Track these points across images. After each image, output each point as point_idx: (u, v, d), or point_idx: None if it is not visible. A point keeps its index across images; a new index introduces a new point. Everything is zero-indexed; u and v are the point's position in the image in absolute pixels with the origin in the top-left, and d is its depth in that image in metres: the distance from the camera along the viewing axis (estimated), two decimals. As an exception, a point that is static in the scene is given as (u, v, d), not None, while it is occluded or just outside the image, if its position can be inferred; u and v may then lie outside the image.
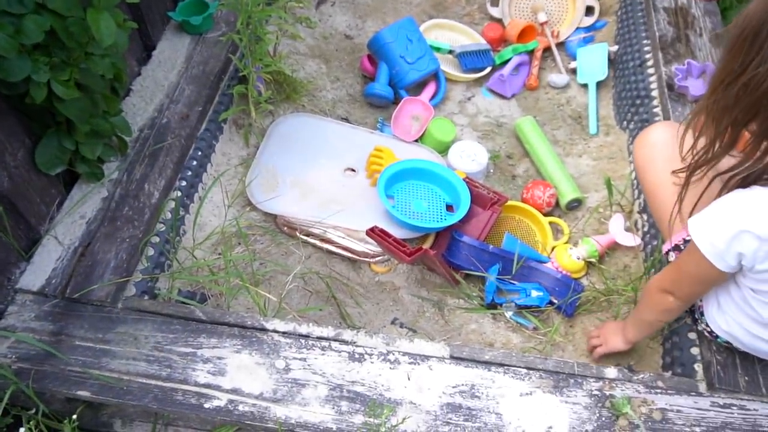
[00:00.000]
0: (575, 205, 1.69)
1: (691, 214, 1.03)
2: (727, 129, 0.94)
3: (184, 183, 1.49)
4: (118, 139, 1.44)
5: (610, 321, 1.38)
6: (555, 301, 1.47)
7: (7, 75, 1.07)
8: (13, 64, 1.07)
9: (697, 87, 1.63)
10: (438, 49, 1.98)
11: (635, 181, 1.66)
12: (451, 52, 1.99)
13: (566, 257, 1.52)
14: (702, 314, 1.18)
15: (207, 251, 1.48)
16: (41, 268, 1.26)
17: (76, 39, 1.15)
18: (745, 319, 1.07)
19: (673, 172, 1.12)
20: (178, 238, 1.45)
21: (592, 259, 1.53)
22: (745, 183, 0.97)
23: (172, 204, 1.43)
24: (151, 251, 1.35)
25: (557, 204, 1.69)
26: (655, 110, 1.69)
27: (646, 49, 1.85)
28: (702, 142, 1.01)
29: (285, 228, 1.57)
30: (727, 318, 1.11)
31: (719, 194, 1.00)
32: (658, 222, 1.30)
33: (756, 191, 0.94)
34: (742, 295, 1.05)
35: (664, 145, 1.23)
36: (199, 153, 1.56)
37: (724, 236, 0.95)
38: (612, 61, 2.01)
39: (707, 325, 1.17)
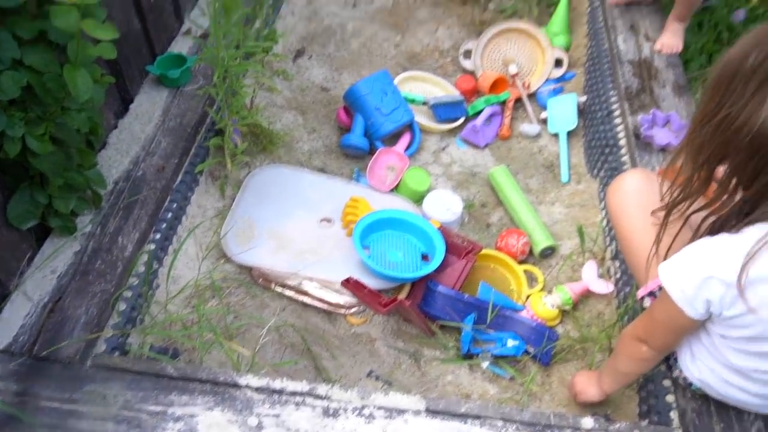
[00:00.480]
0: (549, 252, 1.71)
1: (666, 257, 1.05)
2: (702, 167, 0.97)
3: (158, 235, 1.49)
4: (92, 192, 1.44)
5: (584, 371, 1.38)
6: (531, 350, 1.47)
7: (-19, 131, 1.07)
8: (-12, 120, 1.07)
9: (662, 136, 1.68)
10: (412, 101, 2.03)
11: (607, 229, 1.69)
12: (425, 103, 2.04)
13: (541, 305, 1.53)
14: (676, 360, 1.19)
15: (181, 305, 1.46)
16: (8, 326, 1.23)
17: (52, 94, 1.16)
18: (717, 365, 1.08)
19: (653, 212, 1.14)
20: (151, 291, 1.43)
21: (567, 307, 1.54)
22: (713, 230, 0.99)
23: (146, 257, 1.42)
24: (123, 306, 1.33)
25: (531, 252, 1.71)
26: (623, 159, 1.74)
27: (613, 99, 1.91)
28: (681, 180, 1.03)
29: (260, 280, 1.56)
30: (700, 365, 1.12)
31: (691, 241, 1.02)
32: (632, 269, 1.31)
33: (722, 237, 0.96)
34: (712, 341, 1.07)
35: (637, 192, 1.26)
36: (175, 205, 1.56)
37: (692, 282, 0.97)
38: (581, 111, 2.07)
39: (681, 372, 1.18)
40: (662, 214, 1.08)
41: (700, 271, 0.96)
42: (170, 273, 1.45)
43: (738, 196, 0.95)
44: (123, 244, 1.40)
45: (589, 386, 1.29)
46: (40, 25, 1.10)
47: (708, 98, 0.93)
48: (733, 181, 0.94)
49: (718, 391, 1.12)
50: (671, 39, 1.98)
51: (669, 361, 1.23)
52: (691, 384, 1.17)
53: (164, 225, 1.51)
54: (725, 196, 0.95)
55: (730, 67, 0.90)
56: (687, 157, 0.99)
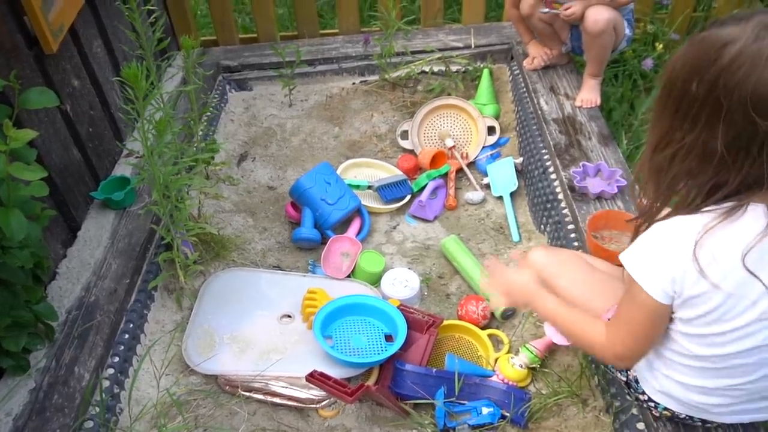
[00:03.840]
0: (510, 313, 1.73)
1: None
2: (666, 188, 0.99)
3: (117, 359, 1.47)
4: (44, 325, 1.43)
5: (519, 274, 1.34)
6: (507, 414, 1.46)
7: None
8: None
9: (595, 185, 1.76)
10: (357, 186, 2.09)
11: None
12: (370, 187, 2.10)
13: (509, 368, 1.54)
14: (636, 381, 1.20)
15: (147, 426, 1.42)
16: (-36, 480, 1.19)
17: (-10, 237, 1.18)
18: (673, 371, 1.09)
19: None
20: (114, 418, 1.40)
21: (535, 365, 1.55)
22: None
23: (106, 383, 1.39)
24: (84, 438, 1.30)
25: (493, 315, 1.73)
26: (564, 211, 1.80)
27: (546, 157, 2.00)
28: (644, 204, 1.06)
29: (227, 387, 1.54)
30: (657, 375, 1.12)
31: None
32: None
33: (678, 218, 0.98)
34: (668, 342, 1.07)
35: (544, 261, 1.37)
36: (131, 325, 1.55)
37: (655, 262, 0.98)
38: (520, 172, 2.15)
39: (643, 393, 1.18)
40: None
41: (661, 250, 0.98)
42: (131, 395, 1.42)
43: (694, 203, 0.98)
44: (80, 373, 1.38)
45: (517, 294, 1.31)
46: (-29, 173, 1.13)
47: (659, 122, 0.96)
48: (693, 197, 0.97)
49: (681, 400, 1.11)
50: (589, 94, 2.11)
51: (631, 386, 1.23)
52: (656, 404, 1.17)
53: (122, 347, 1.50)
54: (687, 208, 0.98)
55: (675, 90, 0.92)
56: (647, 180, 1.01)
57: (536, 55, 2.26)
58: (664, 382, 1.12)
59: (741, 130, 0.87)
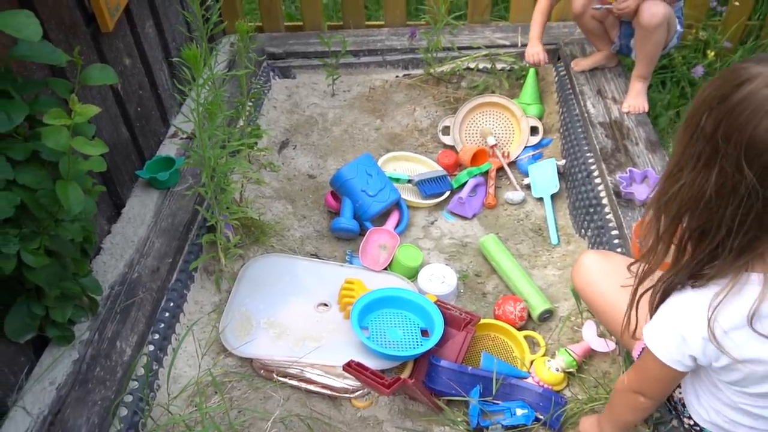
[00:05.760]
0: (547, 316, 1.71)
1: (650, 310, 1.05)
2: (669, 224, 0.96)
3: (156, 336, 1.49)
4: (88, 299, 1.45)
5: (590, 416, 1.36)
6: (541, 416, 1.45)
7: (-24, 251, 1.09)
8: (-18, 240, 1.10)
9: (641, 192, 1.73)
10: (397, 180, 2.08)
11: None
12: (410, 181, 2.10)
13: (545, 370, 1.52)
14: (684, 406, 1.18)
15: (183, 404, 1.44)
16: (8, 444, 1.22)
17: (46, 209, 1.19)
18: (722, 406, 1.08)
19: (629, 266, 1.13)
20: (152, 394, 1.42)
21: (572, 369, 1.53)
22: (666, 289, 1.00)
23: (145, 359, 1.41)
24: (124, 411, 1.32)
25: (530, 317, 1.71)
26: (608, 216, 1.78)
27: (591, 161, 1.97)
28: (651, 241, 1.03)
29: (262, 371, 1.55)
30: (707, 406, 1.12)
31: (651, 298, 1.03)
32: (612, 332, 1.34)
33: (689, 295, 0.96)
34: (713, 382, 1.07)
35: (596, 266, 1.36)
36: (171, 304, 1.57)
37: (672, 342, 0.98)
38: (562, 174, 2.13)
39: (690, 418, 1.17)
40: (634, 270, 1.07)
41: (676, 331, 0.98)
42: (170, 373, 1.44)
43: (686, 257, 0.95)
44: (122, 348, 1.40)
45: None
46: (33, 146, 1.15)
47: (674, 150, 0.94)
48: (685, 240, 0.95)
49: (728, 430, 1.10)
50: (636, 100, 2.07)
51: (678, 407, 1.22)
52: (702, 429, 1.15)
53: (162, 325, 1.51)
54: (680, 262, 0.96)
55: (690, 122, 0.89)
56: (655, 212, 0.99)
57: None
58: (714, 415, 1.11)
59: (730, 177, 0.83)
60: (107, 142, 1.64)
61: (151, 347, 1.46)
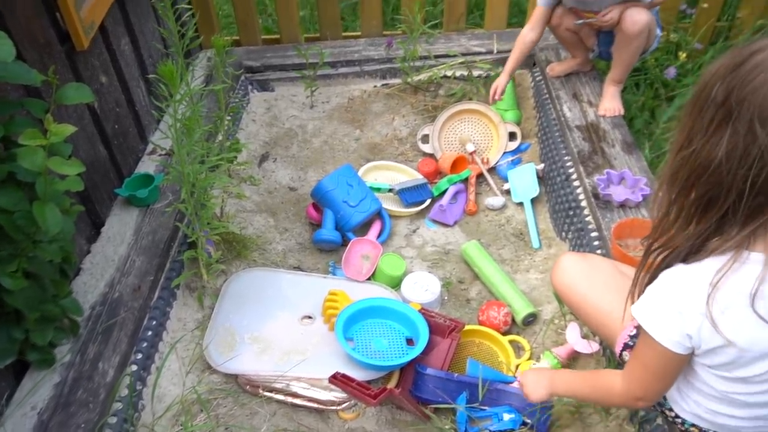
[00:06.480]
0: (531, 320, 1.72)
1: (639, 289, 1.04)
2: (677, 197, 0.96)
3: (139, 355, 1.47)
4: (69, 320, 1.43)
5: (534, 370, 1.37)
6: (528, 420, 1.45)
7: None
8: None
9: (619, 193, 1.75)
10: (378, 189, 2.09)
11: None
12: (390, 190, 2.10)
13: (531, 374, 1.53)
14: (665, 398, 1.19)
15: (168, 424, 1.43)
16: (-10, 472, 1.19)
17: (23, 231, 1.18)
18: (702, 398, 1.08)
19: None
20: (137, 414, 1.40)
21: (557, 372, 1.54)
22: (662, 264, 0.99)
23: (129, 380, 1.40)
24: (108, 433, 1.30)
25: (514, 321, 1.72)
26: (587, 218, 1.80)
27: (569, 164, 1.99)
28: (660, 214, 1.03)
29: (247, 387, 1.54)
30: (688, 400, 1.12)
31: (645, 272, 1.02)
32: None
33: (684, 270, 0.96)
34: (695, 373, 1.07)
35: (575, 267, 1.37)
36: (154, 322, 1.56)
37: (669, 320, 0.97)
38: (541, 178, 2.15)
39: (671, 410, 1.17)
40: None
41: (673, 307, 0.97)
42: (154, 392, 1.42)
43: (690, 229, 0.95)
44: (104, 369, 1.38)
45: (537, 388, 1.28)
46: (8, 168, 1.14)
47: (681, 127, 0.95)
48: (692, 212, 0.95)
49: (709, 420, 1.11)
50: (611, 103, 2.10)
51: (659, 401, 1.23)
52: (684, 421, 1.16)
53: (145, 344, 1.50)
54: (684, 232, 0.96)
55: (700, 96, 0.91)
56: (663, 186, 0.99)
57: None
58: (694, 406, 1.12)
59: (742, 138, 0.85)
60: (85, 161, 1.65)
61: (134, 367, 1.44)
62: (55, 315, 1.33)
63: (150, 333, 1.53)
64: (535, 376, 1.31)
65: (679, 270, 0.97)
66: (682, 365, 1.07)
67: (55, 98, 1.17)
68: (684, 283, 0.96)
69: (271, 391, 1.52)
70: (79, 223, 1.64)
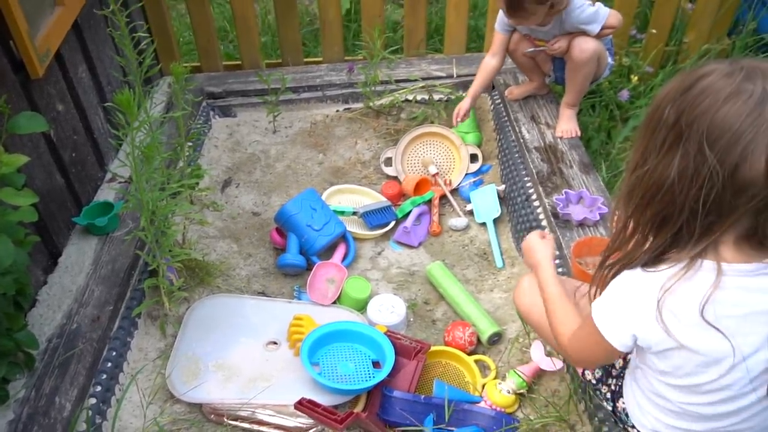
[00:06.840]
0: (496, 339, 1.74)
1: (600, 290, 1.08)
2: (632, 214, 1.00)
3: (99, 388, 1.44)
4: (24, 354, 1.39)
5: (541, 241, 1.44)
6: (495, 440, 1.46)
7: None
8: None
9: (578, 212, 1.80)
10: (342, 213, 2.09)
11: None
12: (354, 213, 2.11)
13: (497, 393, 1.54)
14: (627, 416, 1.22)
15: (129, 458, 1.39)
16: None
17: (-26, 263, 1.15)
18: (661, 414, 1.12)
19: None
20: (96, 449, 1.36)
21: (522, 390, 1.56)
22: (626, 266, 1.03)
23: (87, 414, 1.36)
24: (65, 471, 1.26)
25: (479, 341, 1.73)
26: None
27: (528, 185, 2.04)
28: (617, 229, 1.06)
29: (212, 416, 1.51)
30: (648, 416, 1.15)
31: (599, 285, 1.07)
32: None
33: (641, 275, 0.99)
34: (653, 387, 1.10)
35: (534, 286, 1.39)
36: (114, 353, 1.52)
37: (619, 318, 1.02)
38: (502, 199, 2.19)
39: (633, 427, 1.20)
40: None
41: (624, 308, 1.01)
42: (114, 425, 1.39)
43: (648, 244, 0.99)
44: (61, 404, 1.34)
45: (534, 252, 1.40)
46: (-42, 198, 1.11)
47: (636, 147, 0.99)
48: (647, 228, 0.99)
49: None
50: (568, 124, 2.17)
51: (621, 417, 1.25)
52: None
53: (104, 376, 1.46)
54: (641, 246, 1.00)
55: (652, 118, 0.95)
56: (620, 203, 1.03)
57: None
58: (654, 422, 1.14)
59: (692, 159, 0.88)
60: (40, 190, 1.62)
61: (93, 400, 1.40)
62: (8, 349, 1.29)
63: (109, 364, 1.49)
64: (540, 246, 1.41)
65: (634, 274, 1.01)
66: (619, 355, 1.13)
67: (7, 128, 1.15)
68: (636, 286, 1.00)
69: (236, 420, 1.49)
70: (34, 254, 1.60)
